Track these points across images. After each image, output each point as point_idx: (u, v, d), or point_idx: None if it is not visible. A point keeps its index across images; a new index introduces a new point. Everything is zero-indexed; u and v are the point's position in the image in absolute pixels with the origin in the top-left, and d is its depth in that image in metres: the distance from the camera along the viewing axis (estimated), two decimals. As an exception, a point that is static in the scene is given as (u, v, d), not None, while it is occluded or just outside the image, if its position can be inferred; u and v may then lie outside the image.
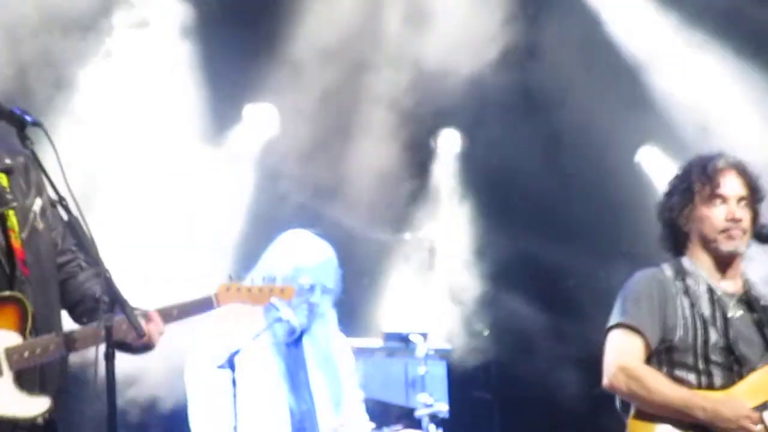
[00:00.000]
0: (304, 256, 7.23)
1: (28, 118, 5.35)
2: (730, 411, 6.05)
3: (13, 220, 5.48)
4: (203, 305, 5.73)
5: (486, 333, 10.62)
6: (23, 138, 5.31)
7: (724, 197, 6.30)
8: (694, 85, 10.34)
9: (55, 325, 5.45)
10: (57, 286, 5.57)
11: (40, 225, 5.54)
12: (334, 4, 9.96)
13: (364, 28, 10.03)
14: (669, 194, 6.39)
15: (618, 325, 6.21)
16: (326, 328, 7.36)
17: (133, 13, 9.72)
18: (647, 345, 6.17)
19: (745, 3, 10.00)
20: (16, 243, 5.43)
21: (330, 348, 7.39)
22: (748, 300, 6.36)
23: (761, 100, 10.06)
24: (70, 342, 5.37)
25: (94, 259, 5.23)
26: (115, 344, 5.21)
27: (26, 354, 5.27)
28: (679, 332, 6.18)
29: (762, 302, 6.37)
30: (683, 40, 10.36)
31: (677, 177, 6.41)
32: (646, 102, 10.48)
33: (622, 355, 6.16)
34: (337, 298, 7.34)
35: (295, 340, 7.25)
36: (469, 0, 10.06)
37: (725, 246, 6.28)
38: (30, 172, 5.58)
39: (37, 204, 5.54)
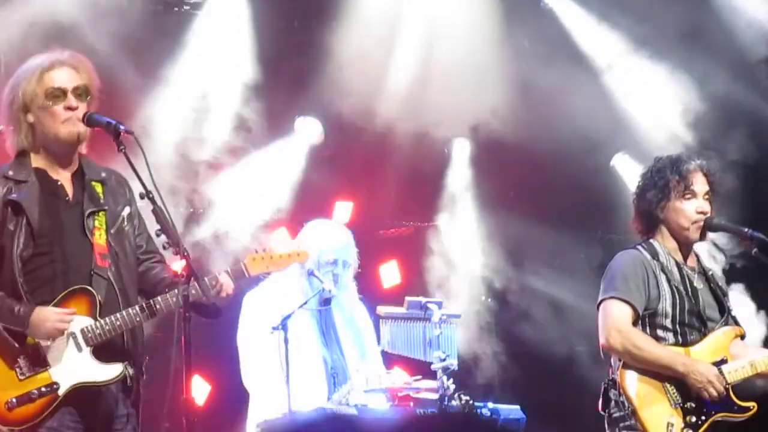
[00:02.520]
0: (328, 237, 7.42)
1: (121, 127, 5.45)
2: (704, 369, 6.24)
3: (102, 220, 5.59)
4: (238, 273, 5.74)
5: (489, 301, 10.62)
6: (118, 144, 5.41)
7: (695, 193, 6.40)
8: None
9: (132, 301, 5.64)
10: (135, 273, 5.69)
11: (126, 227, 5.66)
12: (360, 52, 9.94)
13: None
14: (645, 188, 6.48)
15: (611, 298, 6.31)
16: (349, 296, 7.57)
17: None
18: (635, 313, 6.29)
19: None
20: (99, 240, 5.55)
21: (353, 312, 7.59)
22: (704, 272, 6.50)
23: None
24: (151, 311, 5.49)
25: (174, 241, 5.33)
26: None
27: (98, 331, 5.44)
28: (661, 302, 6.35)
29: (710, 272, 6.53)
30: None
31: (652, 174, 6.50)
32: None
33: (617, 321, 6.29)
34: (355, 272, 7.49)
35: (326, 307, 7.39)
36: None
37: (694, 236, 6.43)
38: (123, 186, 5.69)
39: (126, 211, 5.67)
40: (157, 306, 5.54)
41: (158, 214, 5.36)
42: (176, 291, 5.40)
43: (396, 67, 10.13)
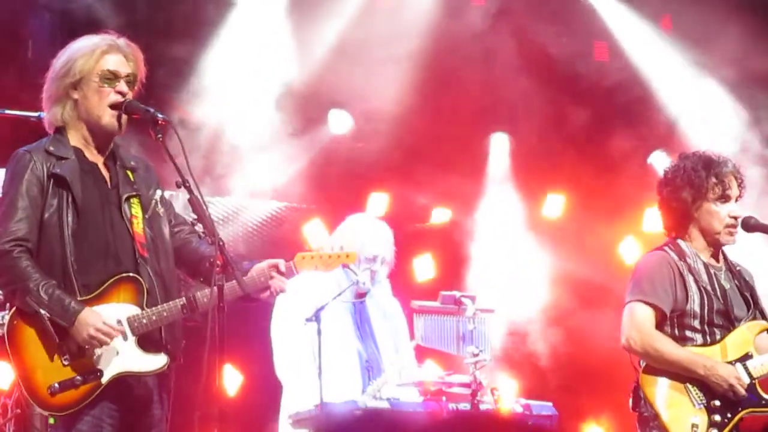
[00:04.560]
0: (368, 234, 7.44)
1: (159, 115, 5.52)
2: (725, 372, 6.23)
3: (137, 207, 5.65)
4: (287, 271, 5.77)
5: (523, 296, 10.63)
6: (156, 132, 5.47)
7: (729, 197, 6.42)
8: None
9: (173, 287, 5.69)
10: (172, 257, 5.75)
11: (160, 210, 5.72)
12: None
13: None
14: (679, 186, 6.47)
15: (636, 300, 6.35)
16: (384, 292, 7.61)
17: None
18: (661, 314, 6.33)
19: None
20: (137, 228, 5.60)
21: (387, 307, 7.63)
22: (730, 270, 6.52)
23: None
24: (191, 306, 5.54)
25: (210, 230, 5.38)
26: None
27: (144, 321, 5.48)
28: (689, 303, 6.38)
29: (738, 268, 6.55)
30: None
31: (686, 171, 6.48)
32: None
33: (638, 323, 6.34)
34: (391, 268, 7.53)
35: (360, 300, 7.45)
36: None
37: (726, 240, 6.45)
38: (151, 172, 5.77)
39: (157, 194, 5.77)
40: (198, 302, 5.57)
41: (194, 203, 5.39)
42: (213, 284, 5.39)
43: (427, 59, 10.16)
